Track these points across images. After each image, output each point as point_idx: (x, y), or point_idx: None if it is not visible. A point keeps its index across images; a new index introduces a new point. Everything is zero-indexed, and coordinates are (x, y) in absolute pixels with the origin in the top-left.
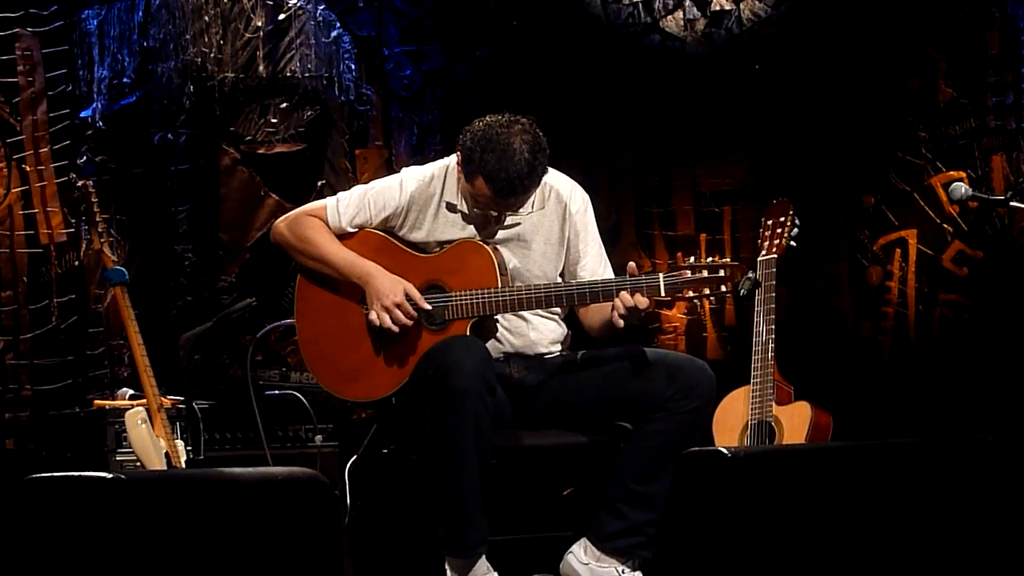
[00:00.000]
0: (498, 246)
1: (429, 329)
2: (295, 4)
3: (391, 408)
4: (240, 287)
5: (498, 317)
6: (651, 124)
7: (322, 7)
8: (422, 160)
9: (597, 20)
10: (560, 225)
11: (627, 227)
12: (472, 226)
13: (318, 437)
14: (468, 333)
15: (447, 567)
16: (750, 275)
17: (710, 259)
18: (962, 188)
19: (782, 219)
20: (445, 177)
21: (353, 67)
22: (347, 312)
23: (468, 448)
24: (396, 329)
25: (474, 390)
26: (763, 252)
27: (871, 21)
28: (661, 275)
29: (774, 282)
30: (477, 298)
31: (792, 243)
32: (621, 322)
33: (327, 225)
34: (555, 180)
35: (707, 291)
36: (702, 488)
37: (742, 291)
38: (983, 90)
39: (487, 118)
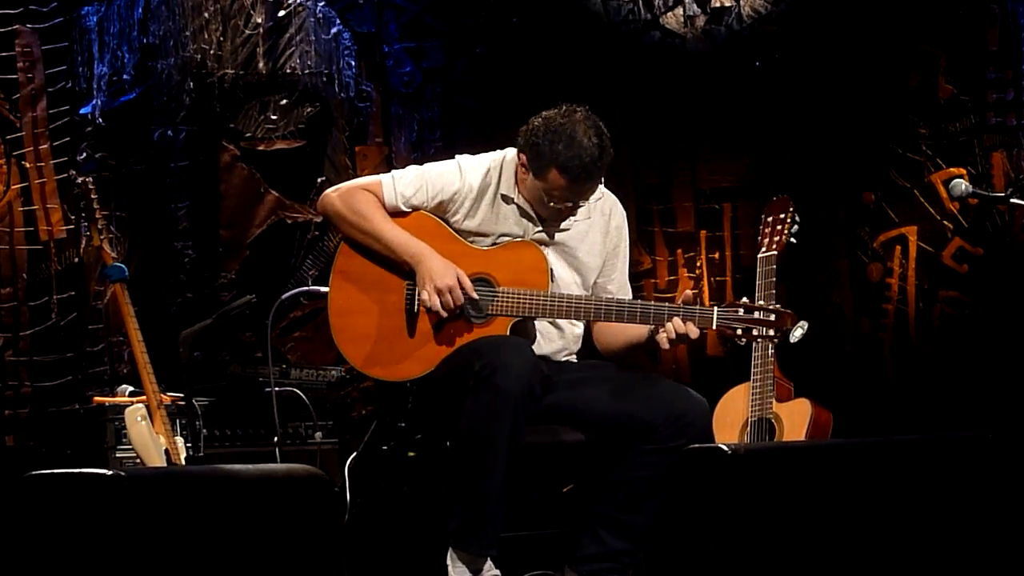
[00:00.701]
0: (545, 250)
1: (469, 320)
2: (295, 1)
3: (394, 402)
4: (240, 284)
5: (538, 321)
6: (651, 121)
7: (322, 4)
8: (421, 157)
9: (597, 17)
10: (603, 238)
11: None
12: (526, 221)
13: (318, 434)
14: (508, 332)
15: (450, 560)
16: (802, 323)
17: (761, 301)
18: (962, 185)
19: (782, 216)
20: (501, 169)
21: (353, 64)
22: (386, 290)
23: (502, 448)
24: (444, 313)
25: (519, 393)
26: (763, 249)
27: (871, 18)
28: (716, 309)
29: (774, 279)
30: (525, 298)
31: (792, 240)
32: (667, 345)
33: (382, 202)
34: (599, 192)
35: (755, 332)
36: (702, 485)
37: (793, 338)
38: (983, 87)
39: (544, 113)
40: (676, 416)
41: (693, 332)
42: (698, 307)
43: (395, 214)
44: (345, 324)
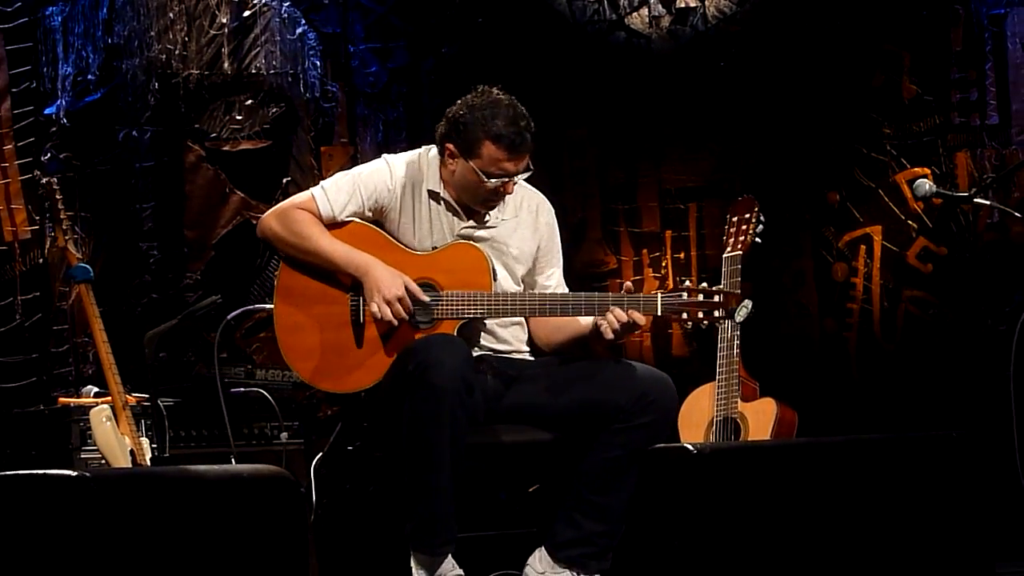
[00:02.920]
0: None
1: (416, 327)
2: (260, 1)
3: (358, 403)
4: (205, 284)
5: (486, 321)
6: (616, 121)
7: (287, 4)
8: None
9: (562, 17)
10: (532, 234)
11: (593, 224)
12: (453, 217)
13: (283, 435)
14: (455, 334)
15: (412, 563)
16: (746, 302)
17: (704, 284)
18: (926, 185)
19: (747, 216)
20: (426, 165)
21: (318, 64)
22: (330, 303)
23: (443, 446)
24: (395, 322)
25: (453, 388)
26: (728, 249)
27: (836, 18)
28: (659, 295)
29: (739, 279)
30: (469, 300)
31: (757, 240)
32: (611, 335)
33: (318, 216)
34: (525, 190)
35: (701, 315)
36: (667, 484)
37: (738, 317)
38: (947, 87)
39: (460, 100)
40: (641, 394)
41: (639, 319)
42: (642, 295)
43: (332, 226)
44: (293, 341)
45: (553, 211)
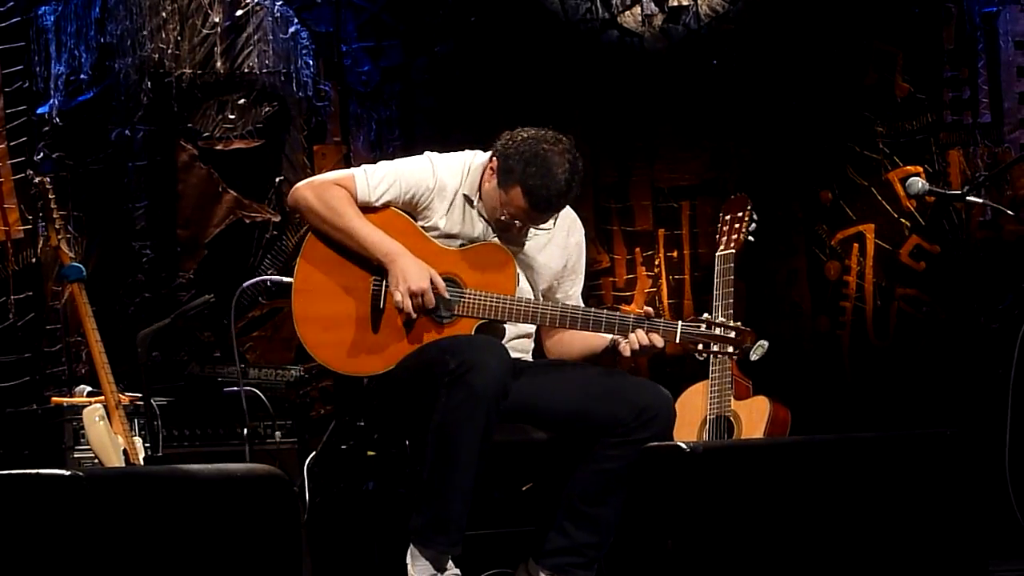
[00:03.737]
0: None
1: (434, 320)
2: (252, 0)
3: (353, 402)
4: (198, 283)
5: (507, 325)
6: (609, 119)
7: (280, 3)
8: (380, 156)
9: (555, 16)
10: (561, 252)
11: (585, 222)
12: (482, 225)
13: (277, 433)
14: (473, 333)
15: (410, 557)
16: (762, 342)
17: (721, 318)
18: (919, 183)
19: (740, 214)
20: (468, 171)
21: (311, 63)
22: (352, 278)
23: (472, 447)
24: (415, 315)
25: (492, 393)
26: (721, 247)
27: (829, 17)
28: (680, 323)
29: (732, 277)
30: (492, 301)
31: (750, 238)
32: (629, 354)
33: (354, 196)
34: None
35: (715, 348)
36: (661, 483)
37: (753, 356)
38: (940, 85)
39: (531, 130)
40: (641, 409)
41: (658, 342)
42: (663, 320)
43: (366, 209)
44: (307, 308)
45: (584, 232)
